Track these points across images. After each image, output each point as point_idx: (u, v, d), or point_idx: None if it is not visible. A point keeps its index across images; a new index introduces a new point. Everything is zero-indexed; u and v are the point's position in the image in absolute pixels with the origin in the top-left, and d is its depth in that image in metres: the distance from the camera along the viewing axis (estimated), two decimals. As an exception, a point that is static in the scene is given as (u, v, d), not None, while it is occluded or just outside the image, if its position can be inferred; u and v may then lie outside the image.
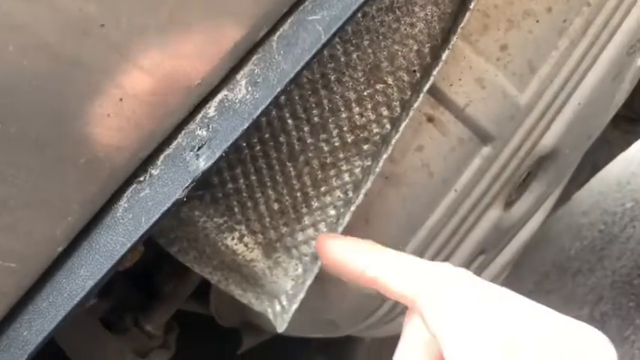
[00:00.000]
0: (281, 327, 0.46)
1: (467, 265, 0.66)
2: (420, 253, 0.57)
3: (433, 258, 0.60)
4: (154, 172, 0.33)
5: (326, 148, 0.46)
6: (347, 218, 0.45)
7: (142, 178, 0.33)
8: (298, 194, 0.47)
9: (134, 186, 0.33)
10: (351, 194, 0.47)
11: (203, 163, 0.33)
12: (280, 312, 0.47)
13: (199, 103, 0.33)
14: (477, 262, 0.68)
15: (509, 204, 0.64)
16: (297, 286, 0.47)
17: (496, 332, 0.31)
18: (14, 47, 0.25)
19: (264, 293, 0.49)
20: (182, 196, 0.33)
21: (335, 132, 0.46)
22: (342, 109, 0.46)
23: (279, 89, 0.33)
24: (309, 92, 0.45)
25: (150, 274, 0.65)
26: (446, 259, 0.62)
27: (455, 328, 0.32)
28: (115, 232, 0.33)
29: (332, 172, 0.47)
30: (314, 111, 0.45)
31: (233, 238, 0.47)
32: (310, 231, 0.47)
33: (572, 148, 0.65)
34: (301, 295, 0.45)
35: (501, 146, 0.55)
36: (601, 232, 1.53)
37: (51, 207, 0.31)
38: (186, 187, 0.33)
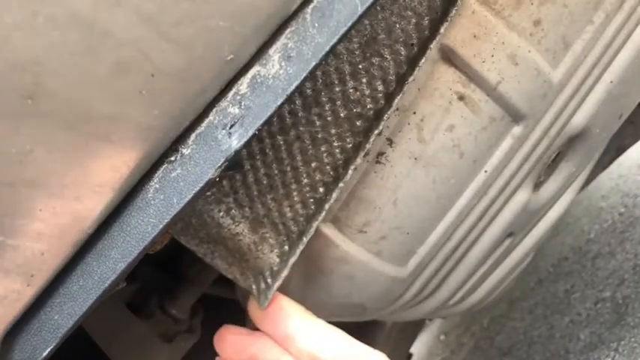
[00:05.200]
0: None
1: (494, 248, 0.65)
2: (447, 236, 0.56)
3: (461, 241, 0.58)
4: (186, 151, 0.32)
5: (318, 123, 0.45)
6: (335, 195, 0.44)
7: (173, 158, 0.32)
8: (288, 169, 0.46)
9: (165, 166, 0.32)
10: (341, 171, 0.46)
11: (236, 142, 0.32)
12: (264, 289, 0.46)
13: (231, 80, 0.32)
14: (504, 245, 0.67)
15: (537, 185, 0.63)
16: (281, 263, 0.46)
17: None
18: (44, 18, 0.24)
19: (248, 269, 0.48)
20: (215, 176, 0.32)
21: (327, 106, 0.44)
22: (336, 82, 0.44)
23: (314, 64, 0.31)
24: None
25: (175, 258, 0.65)
26: (474, 242, 0.60)
27: None
28: (146, 213, 0.32)
29: (323, 148, 0.45)
30: (306, 83, 0.43)
31: (220, 211, 0.46)
32: (299, 207, 0.46)
33: (603, 128, 0.64)
34: (285, 272, 0.44)
35: (533, 125, 0.53)
36: (622, 215, 1.51)
37: (80, 187, 0.30)
38: (219, 167, 0.32)
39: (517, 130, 0.52)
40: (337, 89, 0.44)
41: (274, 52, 0.32)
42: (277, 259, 0.46)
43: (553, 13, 0.50)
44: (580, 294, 1.37)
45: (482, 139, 0.51)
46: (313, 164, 0.45)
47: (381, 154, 0.50)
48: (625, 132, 1.06)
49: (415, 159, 0.50)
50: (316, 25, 0.31)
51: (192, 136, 0.32)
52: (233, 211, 0.46)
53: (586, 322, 1.29)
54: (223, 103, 0.32)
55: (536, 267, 1.52)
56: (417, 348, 1.61)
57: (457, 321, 1.67)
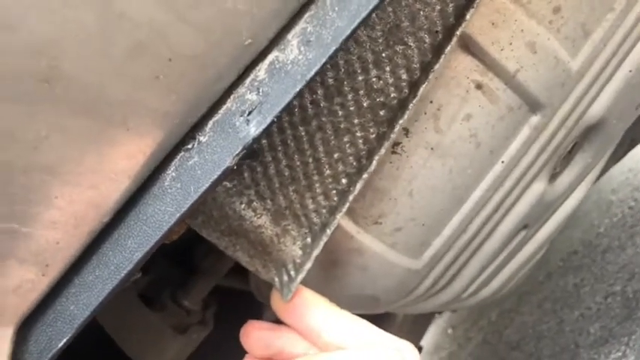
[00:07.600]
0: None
1: (509, 240, 0.64)
2: (463, 228, 0.55)
3: (476, 233, 0.58)
4: (203, 139, 0.31)
5: (340, 113, 0.44)
6: (358, 187, 0.43)
7: (190, 146, 0.32)
8: (310, 160, 0.45)
9: (182, 154, 0.32)
10: (364, 162, 0.45)
11: (254, 129, 0.31)
12: (287, 282, 0.45)
13: (249, 65, 0.31)
14: (519, 237, 0.66)
15: (554, 176, 0.62)
16: (304, 256, 0.45)
17: None
18: (61, -1, 0.23)
19: (271, 261, 0.48)
20: (232, 164, 0.31)
21: (350, 95, 0.43)
22: (359, 70, 0.43)
23: (334, 48, 0.30)
24: None
25: (188, 250, 0.64)
26: (489, 234, 0.60)
27: None
28: (163, 202, 0.32)
29: (346, 139, 0.45)
30: (328, 72, 0.43)
31: (241, 203, 0.45)
32: (321, 199, 0.45)
33: (619, 119, 0.62)
34: (308, 265, 0.43)
35: (550, 115, 0.52)
36: (632, 209, 1.50)
37: (96, 174, 0.30)
38: (237, 155, 0.31)
39: (535, 119, 0.51)
40: (360, 78, 0.43)
41: (293, 37, 0.31)
42: (300, 252, 0.45)
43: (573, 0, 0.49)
44: (590, 288, 1.36)
45: (500, 128, 0.50)
46: (336, 155, 0.45)
47: (396, 144, 0.49)
48: (639, 125, 1.05)
49: (431, 149, 0.49)
50: (336, 8, 0.31)
51: (210, 124, 0.32)
52: (255, 203, 0.45)
53: (596, 317, 1.28)
54: (241, 90, 0.31)
55: (546, 261, 1.51)
56: (425, 342, 1.60)
57: (465, 315, 1.67)
